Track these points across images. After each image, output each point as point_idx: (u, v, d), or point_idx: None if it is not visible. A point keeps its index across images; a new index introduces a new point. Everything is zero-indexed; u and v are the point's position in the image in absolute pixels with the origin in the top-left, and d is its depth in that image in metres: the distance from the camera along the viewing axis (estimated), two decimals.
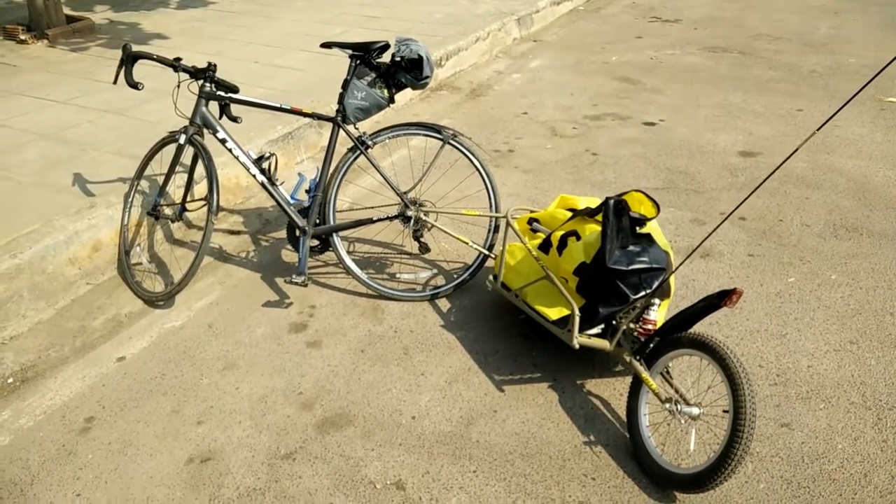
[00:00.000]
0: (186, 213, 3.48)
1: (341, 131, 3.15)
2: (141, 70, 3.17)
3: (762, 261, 3.49)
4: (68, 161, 3.94)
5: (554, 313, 2.70)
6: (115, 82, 3.19)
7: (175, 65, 3.12)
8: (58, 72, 5.49)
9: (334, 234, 3.27)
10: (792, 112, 5.39)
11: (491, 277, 3.07)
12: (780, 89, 5.89)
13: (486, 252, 3.23)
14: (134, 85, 3.12)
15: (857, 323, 3.03)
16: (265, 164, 3.23)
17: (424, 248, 3.28)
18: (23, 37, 6.18)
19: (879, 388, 2.67)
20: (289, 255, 3.63)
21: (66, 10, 6.70)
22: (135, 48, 3.14)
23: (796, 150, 2.15)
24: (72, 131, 4.36)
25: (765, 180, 2.22)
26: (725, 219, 2.40)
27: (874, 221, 3.82)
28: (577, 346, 2.53)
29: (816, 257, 3.51)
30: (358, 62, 3.08)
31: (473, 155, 3.16)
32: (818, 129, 2.08)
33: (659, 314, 2.55)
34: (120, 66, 3.12)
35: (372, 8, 7.61)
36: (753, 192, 2.23)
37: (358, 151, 3.18)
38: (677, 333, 2.35)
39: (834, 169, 4.44)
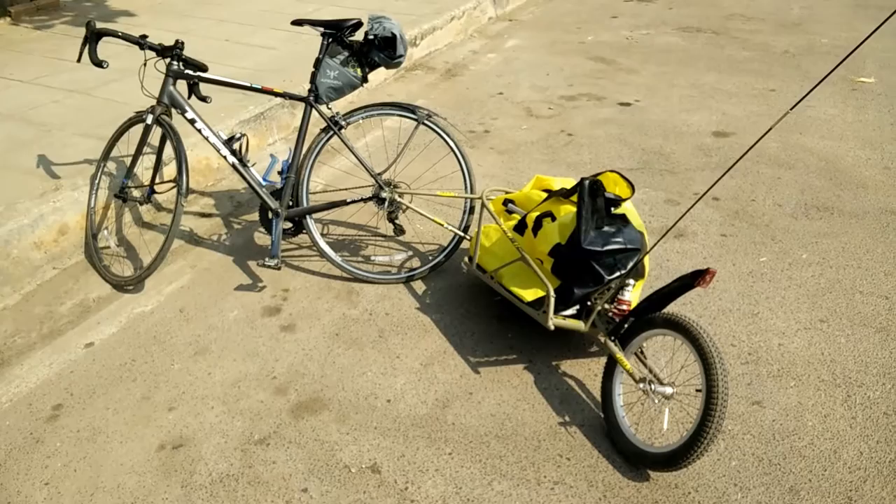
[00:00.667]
0: (155, 196, 3.41)
1: (314, 111, 3.09)
2: (109, 48, 3.09)
3: (735, 240, 3.52)
4: (33, 142, 3.84)
5: (529, 295, 2.69)
6: (79, 60, 3.09)
7: (141, 42, 3.04)
8: (22, 50, 5.33)
9: (308, 217, 3.23)
10: (765, 92, 5.42)
11: (466, 259, 3.06)
12: (754, 69, 5.92)
13: (462, 234, 3.21)
14: (98, 63, 3.03)
15: (828, 301, 3.07)
16: (236, 145, 3.17)
17: (399, 230, 3.25)
18: None
19: (849, 366, 2.71)
20: (262, 238, 3.58)
21: None
22: (100, 25, 3.05)
23: (768, 130, 2.15)
24: (36, 112, 4.24)
25: (737, 161, 2.23)
26: (698, 200, 2.40)
27: (845, 201, 3.87)
28: (552, 328, 2.53)
29: (788, 237, 3.54)
30: (330, 40, 3.02)
31: (448, 136, 3.13)
32: (790, 110, 2.08)
33: (633, 295, 2.56)
34: (84, 44, 3.03)
35: None
36: (726, 172, 2.23)
37: (331, 132, 3.13)
38: (651, 314, 2.35)
39: (806, 149, 4.48)
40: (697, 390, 2.16)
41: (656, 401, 2.34)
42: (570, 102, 5.27)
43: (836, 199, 3.89)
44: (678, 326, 2.22)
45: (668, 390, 2.30)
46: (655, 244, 2.53)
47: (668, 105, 5.20)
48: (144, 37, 3.06)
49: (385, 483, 2.25)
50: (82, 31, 3.03)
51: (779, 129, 4.61)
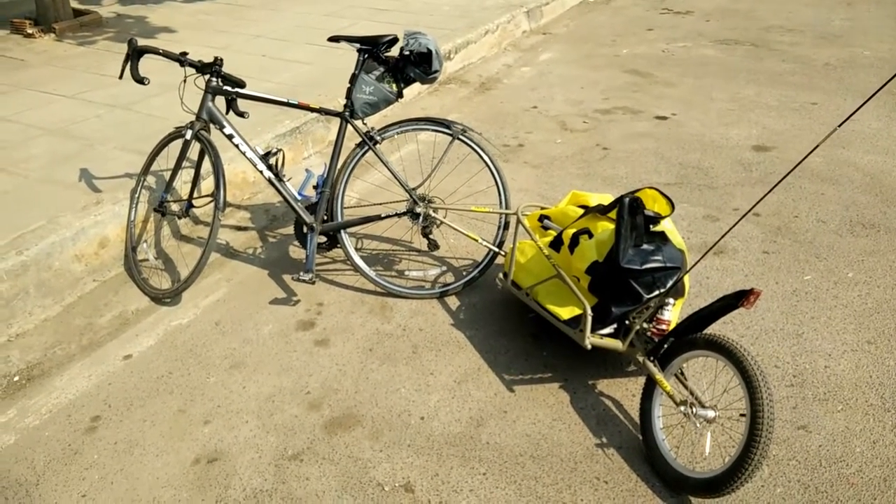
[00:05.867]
0: (193, 209, 3.45)
1: (349, 126, 3.11)
2: (149, 64, 3.14)
3: (777, 258, 3.43)
4: (75, 156, 3.92)
5: (565, 312, 2.65)
6: (121, 77, 3.15)
7: (181, 59, 3.08)
8: (65, 66, 5.47)
9: (342, 231, 3.23)
10: (806, 105, 5.31)
11: (501, 275, 3.03)
12: (794, 82, 5.81)
13: (496, 249, 3.18)
14: (140, 80, 3.09)
15: (875, 322, 2.97)
16: (272, 160, 3.19)
17: (433, 245, 3.24)
18: (30, 31, 6.16)
19: None
20: (296, 252, 3.59)
21: (73, 4, 6.67)
22: (141, 42, 3.11)
23: (815, 148, 2.09)
24: (79, 126, 4.34)
25: (782, 179, 2.17)
26: (742, 218, 2.34)
27: (891, 217, 3.75)
28: (588, 347, 2.49)
29: (833, 254, 3.44)
30: (366, 56, 3.04)
31: (483, 150, 3.11)
32: (838, 127, 2.02)
33: (673, 314, 2.50)
34: (126, 61, 3.09)
35: (380, 0, 7.54)
36: (771, 190, 2.18)
37: (366, 147, 3.14)
38: (692, 334, 2.29)
39: (850, 164, 4.36)
40: (741, 414, 2.09)
41: (698, 424, 2.27)
42: (606, 116, 5.23)
43: (882, 215, 3.78)
44: (720, 348, 2.16)
45: (711, 413, 2.23)
46: (696, 263, 2.47)
47: (706, 119, 5.12)
48: (185, 54, 3.10)
49: (418, 502, 2.22)
50: (124, 47, 3.10)
51: (822, 144, 4.49)
